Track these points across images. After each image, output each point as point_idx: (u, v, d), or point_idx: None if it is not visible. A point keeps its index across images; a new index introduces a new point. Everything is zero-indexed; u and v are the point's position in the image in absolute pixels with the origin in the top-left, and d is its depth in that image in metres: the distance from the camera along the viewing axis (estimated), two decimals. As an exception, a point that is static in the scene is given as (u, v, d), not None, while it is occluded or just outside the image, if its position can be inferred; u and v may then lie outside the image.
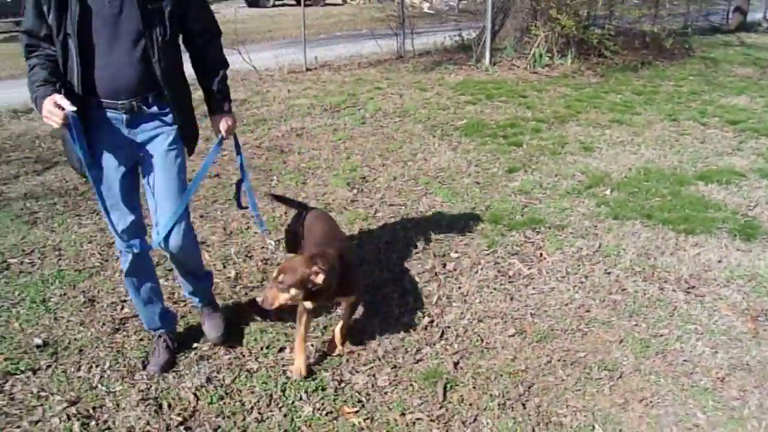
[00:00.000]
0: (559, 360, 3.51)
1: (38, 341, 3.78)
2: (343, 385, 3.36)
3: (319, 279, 3.09)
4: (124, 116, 2.99)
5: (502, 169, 6.27)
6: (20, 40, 2.94)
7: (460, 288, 4.21)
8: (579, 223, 5.10)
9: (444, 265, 4.50)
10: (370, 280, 4.30)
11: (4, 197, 6.24)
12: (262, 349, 3.68)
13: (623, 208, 5.33)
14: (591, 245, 4.73)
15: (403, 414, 3.14)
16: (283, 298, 3.10)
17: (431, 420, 3.10)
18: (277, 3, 31.13)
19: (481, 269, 4.43)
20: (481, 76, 11.03)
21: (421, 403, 3.21)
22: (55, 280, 4.50)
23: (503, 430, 3.02)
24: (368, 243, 4.89)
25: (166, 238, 3.17)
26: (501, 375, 3.39)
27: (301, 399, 3.25)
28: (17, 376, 3.48)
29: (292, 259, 3.32)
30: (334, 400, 3.24)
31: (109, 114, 2.97)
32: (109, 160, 3.05)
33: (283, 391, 3.31)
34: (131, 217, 3.16)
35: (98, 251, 4.96)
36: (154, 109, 3.04)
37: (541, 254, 4.62)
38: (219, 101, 3.25)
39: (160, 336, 3.55)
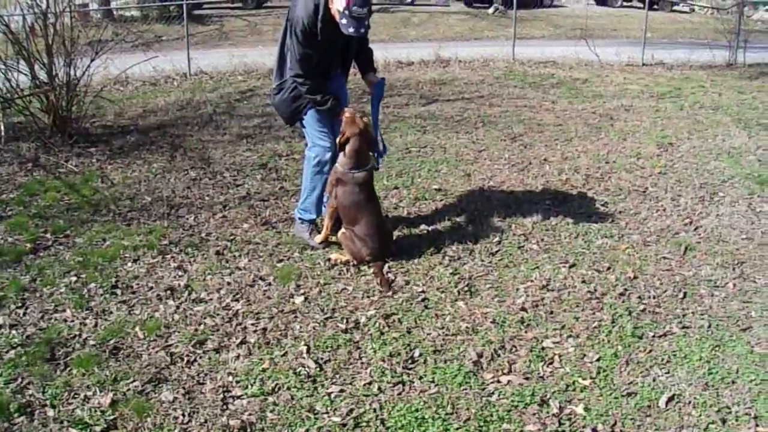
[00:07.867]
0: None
1: (435, 187, 6.24)
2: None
3: None
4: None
5: (786, 155, 7.48)
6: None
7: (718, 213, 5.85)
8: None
9: (712, 197, 6.17)
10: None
11: (400, 116, 8.94)
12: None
13: None
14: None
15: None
16: None
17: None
18: (624, 3, 32.42)
19: (738, 204, 6.01)
20: (803, 88, 11.73)
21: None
22: (443, 163, 6.98)
23: None
24: (666, 177, 6.66)
25: None
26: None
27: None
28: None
29: None
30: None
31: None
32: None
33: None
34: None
35: (472, 151, 7.35)
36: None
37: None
38: (370, 66, 5.28)
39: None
